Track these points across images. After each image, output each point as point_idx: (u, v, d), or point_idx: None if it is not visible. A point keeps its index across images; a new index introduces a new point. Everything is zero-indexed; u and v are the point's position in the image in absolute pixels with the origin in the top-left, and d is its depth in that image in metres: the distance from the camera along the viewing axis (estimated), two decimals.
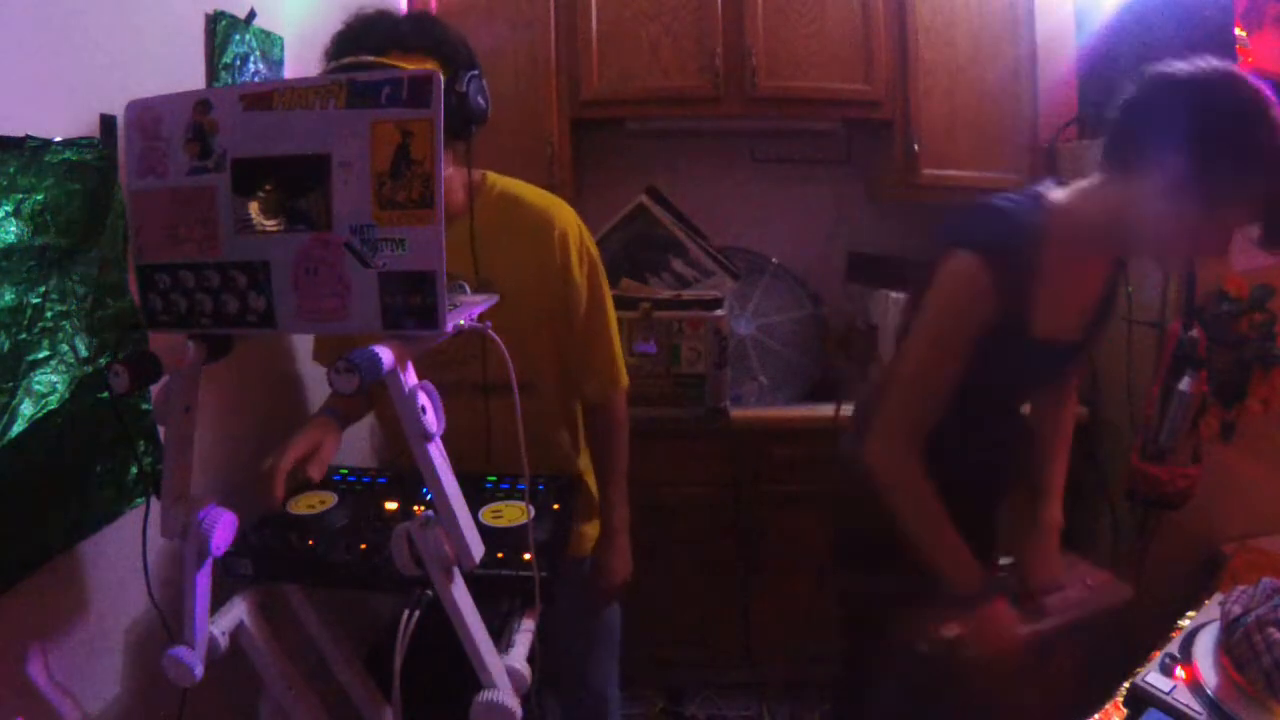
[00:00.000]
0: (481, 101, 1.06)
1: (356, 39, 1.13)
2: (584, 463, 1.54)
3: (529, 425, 1.32)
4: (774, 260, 2.51)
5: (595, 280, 1.40)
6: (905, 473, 1.25)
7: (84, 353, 1.02)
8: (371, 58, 1.03)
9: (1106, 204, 1.20)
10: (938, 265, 1.25)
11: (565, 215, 1.36)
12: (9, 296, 0.91)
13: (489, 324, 0.92)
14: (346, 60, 1.02)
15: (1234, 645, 1.06)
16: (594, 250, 1.41)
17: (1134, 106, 1.21)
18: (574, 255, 1.35)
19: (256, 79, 1.41)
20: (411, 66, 1.05)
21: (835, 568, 1.60)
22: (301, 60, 1.56)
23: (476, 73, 1.06)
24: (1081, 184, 1.25)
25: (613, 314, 1.45)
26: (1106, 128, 1.24)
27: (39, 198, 0.95)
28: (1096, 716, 1.05)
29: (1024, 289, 1.21)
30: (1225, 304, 1.99)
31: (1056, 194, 1.26)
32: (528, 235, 1.32)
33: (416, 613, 0.98)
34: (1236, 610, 1.11)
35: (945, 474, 1.26)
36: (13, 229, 0.92)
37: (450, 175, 1.21)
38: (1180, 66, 1.14)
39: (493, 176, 1.36)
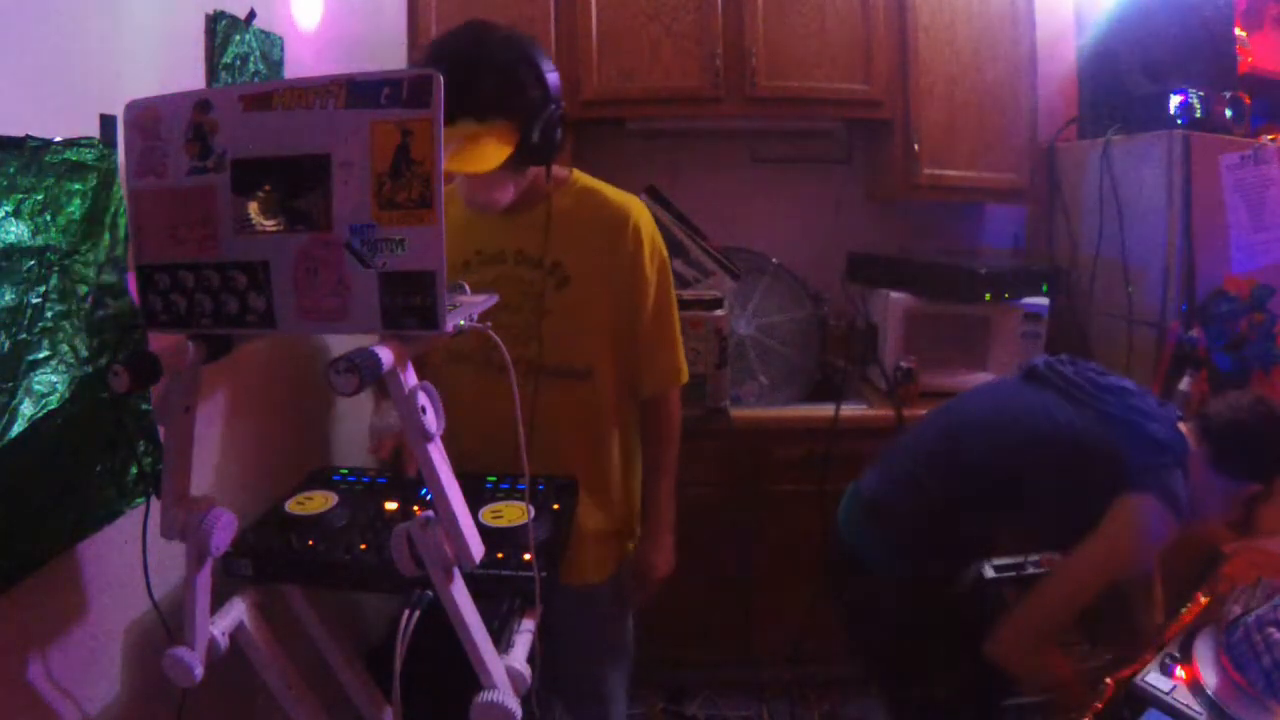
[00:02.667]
0: (560, 135, 1.20)
1: None
2: (625, 476, 1.51)
3: (578, 411, 1.42)
4: (774, 260, 2.51)
5: (664, 277, 1.45)
6: (1033, 664, 1.36)
7: (84, 353, 1.02)
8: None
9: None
10: (1116, 503, 1.32)
11: (641, 212, 1.41)
12: (9, 296, 0.91)
13: (489, 324, 0.92)
14: None
15: (1234, 645, 1.06)
16: (664, 251, 1.46)
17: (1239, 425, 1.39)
18: (646, 249, 1.40)
19: (256, 79, 1.41)
20: (482, 135, 1.15)
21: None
22: (301, 60, 1.56)
23: (554, 109, 1.18)
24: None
25: (677, 313, 1.48)
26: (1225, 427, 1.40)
27: (39, 198, 0.95)
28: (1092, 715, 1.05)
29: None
30: (1225, 304, 1.99)
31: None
32: (603, 225, 1.38)
33: (416, 613, 0.98)
34: (1236, 610, 1.11)
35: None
36: (13, 229, 0.92)
37: (532, 177, 1.32)
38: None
39: (578, 173, 1.43)
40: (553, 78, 1.21)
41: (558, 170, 1.37)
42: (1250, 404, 1.40)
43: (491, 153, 1.16)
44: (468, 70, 1.16)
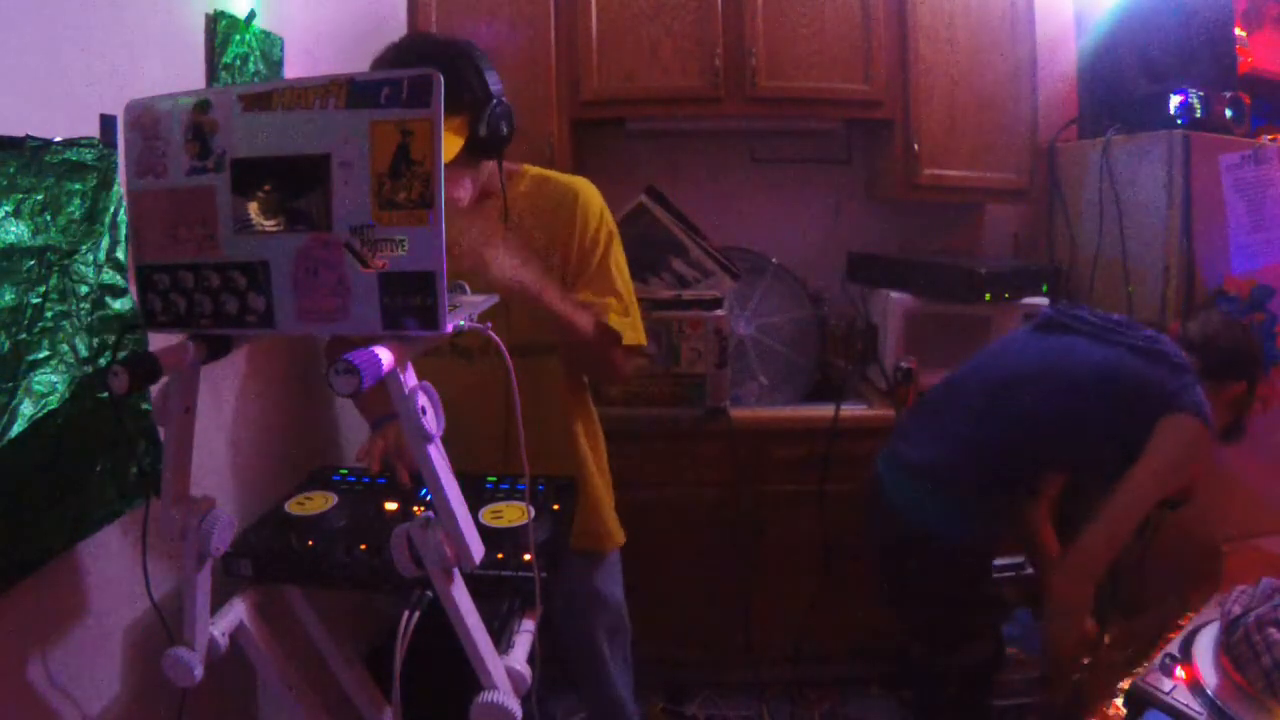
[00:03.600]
0: (504, 129, 1.23)
1: None
2: (591, 453, 1.54)
3: (550, 384, 1.44)
4: (774, 260, 2.51)
5: (611, 245, 1.47)
6: (1084, 602, 1.46)
7: (84, 353, 1.02)
8: None
9: None
10: (1161, 423, 1.46)
11: (588, 188, 1.47)
12: (9, 296, 0.91)
13: (489, 325, 0.92)
14: None
15: (1234, 645, 1.06)
16: (613, 225, 1.49)
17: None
18: (593, 221, 1.44)
19: (256, 79, 1.41)
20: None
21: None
22: (301, 60, 1.56)
23: (495, 104, 1.21)
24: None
25: (628, 282, 1.47)
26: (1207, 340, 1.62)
27: (39, 198, 0.95)
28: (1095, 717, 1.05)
29: None
30: (1225, 304, 1.99)
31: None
32: (553, 203, 1.44)
33: (416, 613, 0.98)
34: (1236, 610, 1.11)
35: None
36: (13, 229, 0.92)
37: (489, 167, 1.35)
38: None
39: (529, 166, 1.50)
40: (492, 76, 1.24)
41: (509, 165, 1.42)
42: (1219, 319, 1.67)
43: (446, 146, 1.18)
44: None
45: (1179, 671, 1.06)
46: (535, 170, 1.49)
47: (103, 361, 1.04)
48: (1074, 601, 1.47)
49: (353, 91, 0.77)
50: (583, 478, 1.50)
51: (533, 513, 1.17)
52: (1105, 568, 1.46)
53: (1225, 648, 1.07)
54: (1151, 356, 1.51)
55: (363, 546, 1.12)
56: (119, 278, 1.08)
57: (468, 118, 1.21)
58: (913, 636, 1.82)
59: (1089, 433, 1.56)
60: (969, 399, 1.68)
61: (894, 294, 2.29)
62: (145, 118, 0.84)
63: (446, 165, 1.16)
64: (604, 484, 1.58)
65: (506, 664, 0.98)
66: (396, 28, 2.18)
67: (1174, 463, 1.45)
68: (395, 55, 1.24)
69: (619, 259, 1.48)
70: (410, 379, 0.81)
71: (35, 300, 0.95)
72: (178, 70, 1.22)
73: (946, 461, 1.62)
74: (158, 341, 0.90)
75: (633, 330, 1.44)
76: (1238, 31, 2.24)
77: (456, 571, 0.90)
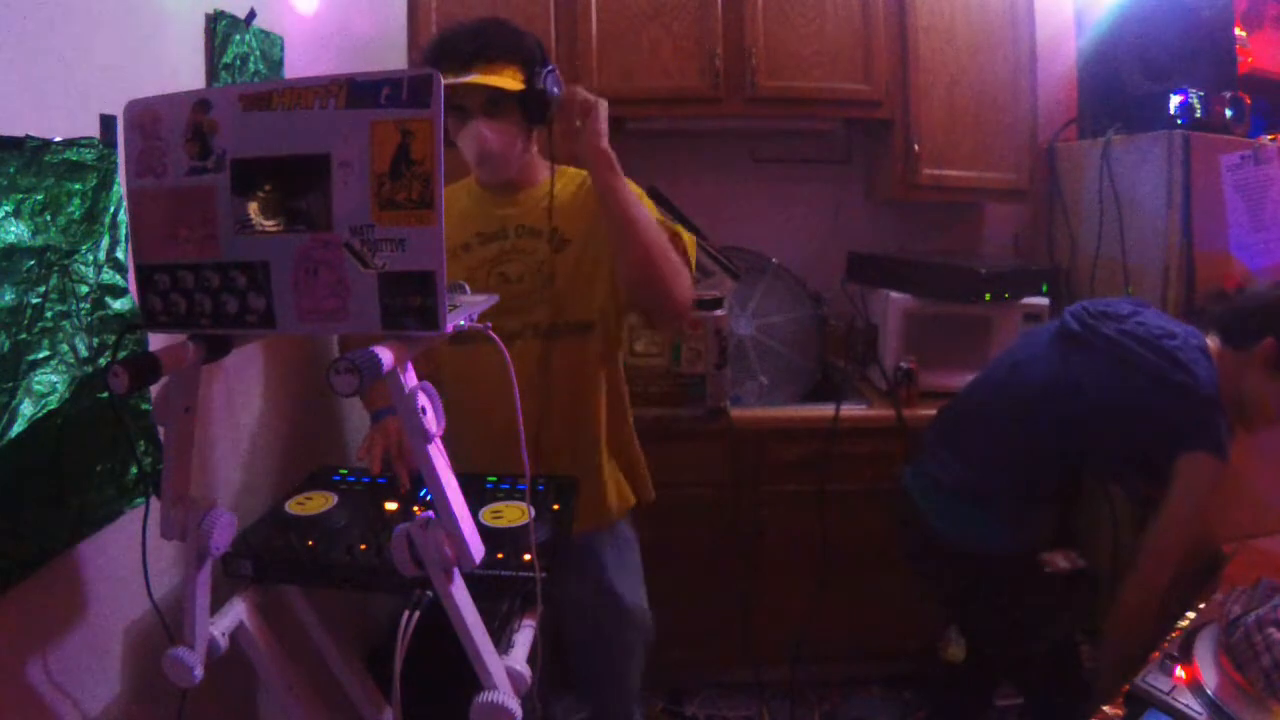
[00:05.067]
0: (556, 90, 1.32)
1: (438, 58, 1.32)
2: (615, 426, 1.58)
3: (584, 365, 1.49)
4: (774, 260, 2.51)
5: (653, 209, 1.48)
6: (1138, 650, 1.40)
7: (84, 353, 1.02)
8: (455, 79, 1.26)
9: (1244, 391, 1.53)
10: (1180, 463, 1.46)
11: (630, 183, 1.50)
12: (9, 296, 0.91)
13: (489, 325, 0.92)
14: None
15: (1234, 645, 1.06)
16: (649, 202, 1.49)
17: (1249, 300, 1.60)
18: None
19: (256, 79, 1.41)
20: (495, 78, 1.28)
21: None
22: (301, 60, 1.56)
23: (552, 68, 1.32)
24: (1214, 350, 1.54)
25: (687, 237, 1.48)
26: (1225, 310, 1.60)
27: (39, 198, 0.95)
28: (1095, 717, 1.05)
29: None
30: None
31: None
32: (588, 192, 1.46)
33: (416, 613, 0.98)
34: (1236, 610, 1.11)
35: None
36: (13, 229, 0.92)
37: (535, 155, 1.47)
38: None
39: (566, 167, 1.53)
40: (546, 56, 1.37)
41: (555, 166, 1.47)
42: (1258, 289, 1.67)
43: (507, 80, 1.30)
44: (476, 33, 1.33)
45: (1179, 671, 1.06)
46: (573, 169, 1.52)
47: (103, 361, 1.04)
48: (1130, 653, 1.44)
49: (353, 91, 0.77)
50: (614, 450, 1.56)
51: (533, 513, 1.17)
52: (1152, 620, 1.46)
53: (1225, 648, 1.07)
54: (1179, 391, 1.48)
55: (363, 546, 1.12)
56: (119, 278, 1.08)
57: (525, 69, 1.31)
58: (979, 640, 1.85)
59: (1108, 455, 1.61)
60: (991, 415, 1.69)
61: (894, 294, 2.29)
62: (145, 118, 0.84)
63: (499, 117, 1.32)
64: (638, 452, 1.65)
65: (506, 664, 0.98)
66: (397, 28, 2.18)
67: (1196, 506, 1.47)
68: (460, 24, 1.35)
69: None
70: (410, 379, 0.81)
71: (35, 300, 0.95)
72: (178, 70, 1.22)
73: (977, 479, 1.64)
74: (158, 341, 0.90)
75: (691, 261, 1.46)
76: (1238, 31, 2.24)
77: (456, 571, 0.90)
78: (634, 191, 1.37)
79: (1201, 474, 1.46)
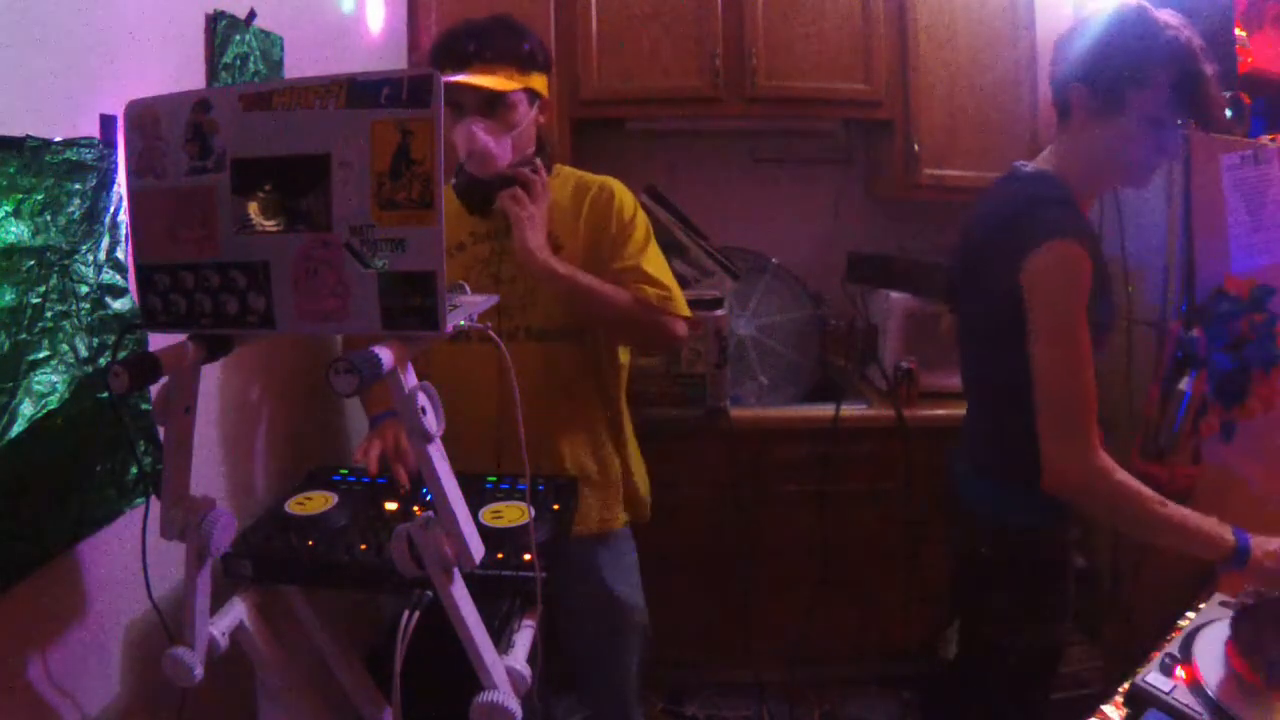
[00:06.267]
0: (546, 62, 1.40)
1: (441, 56, 1.36)
2: (612, 431, 1.57)
3: (574, 370, 1.50)
4: (774, 260, 2.51)
5: (648, 240, 1.51)
6: (1112, 483, 1.23)
7: (84, 353, 1.02)
8: (454, 78, 1.29)
9: (1090, 153, 1.34)
10: (1026, 264, 1.23)
11: (622, 187, 1.54)
12: (9, 296, 0.91)
13: (489, 325, 0.92)
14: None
15: (1242, 632, 1.06)
16: (647, 222, 1.53)
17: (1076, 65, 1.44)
18: (628, 213, 1.50)
19: (256, 79, 1.41)
20: (489, 79, 1.32)
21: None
22: (301, 60, 1.56)
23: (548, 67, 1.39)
24: (1051, 151, 1.40)
25: (663, 265, 1.51)
26: (1060, 91, 1.44)
27: (39, 198, 0.95)
28: (1095, 717, 1.05)
29: (1094, 262, 1.26)
30: (1225, 304, 1.99)
31: (1048, 166, 1.38)
32: (587, 198, 1.50)
33: (416, 613, 0.98)
34: (1249, 600, 1.12)
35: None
36: (13, 229, 0.92)
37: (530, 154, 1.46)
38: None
39: (563, 166, 1.57)
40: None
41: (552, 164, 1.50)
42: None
43: (500, 81, 1.34)
44: (479, 33, 1.37)
45: (1179, 671, 1.06)
46: (568, 170, 1.55)
47: (103, 361, 1.04)
48: (1097, 498, 1.27)
49: (353, 91, 0.77)
50: (601, 459, 1.54)
51: (533, 513, 1.17)
52: (1095, 436, 1.24)
53: (1235, 634, 1.07)
54: (994, 227, 1.32)
55: (363, 546, 1.12)
56: (119, 278, 1.08)
57: (520, 70, 1.36)
58: (979, 619, 1.64)
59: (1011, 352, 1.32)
60: (966, 384, 1.60)
61: (894, 294, 2.29)
62: (145, 118, 0.84)
63: (492, 116, 1.35)
64: (634, 463, 1.63)
65: (506, 664, 0.98)
66: (397, 27, 2.18)
67: (1062, 309, 1.22)
68: (468, 21, 1.39)
69: (654, 250, 1.52)
70: (410, 379, 0.81)
71: (35, 300, 0.95)
72: (178, 70, 1.22)
73: (983, 449, 1.52)
74: (158, 341, 0.90)
75: (674, 303, 1.47)
76: (1238, 31, 2.24)
77: (456, 571, 0.90)
78: (584, 279, 1.38)
79: (1064, 258, 1.22)
